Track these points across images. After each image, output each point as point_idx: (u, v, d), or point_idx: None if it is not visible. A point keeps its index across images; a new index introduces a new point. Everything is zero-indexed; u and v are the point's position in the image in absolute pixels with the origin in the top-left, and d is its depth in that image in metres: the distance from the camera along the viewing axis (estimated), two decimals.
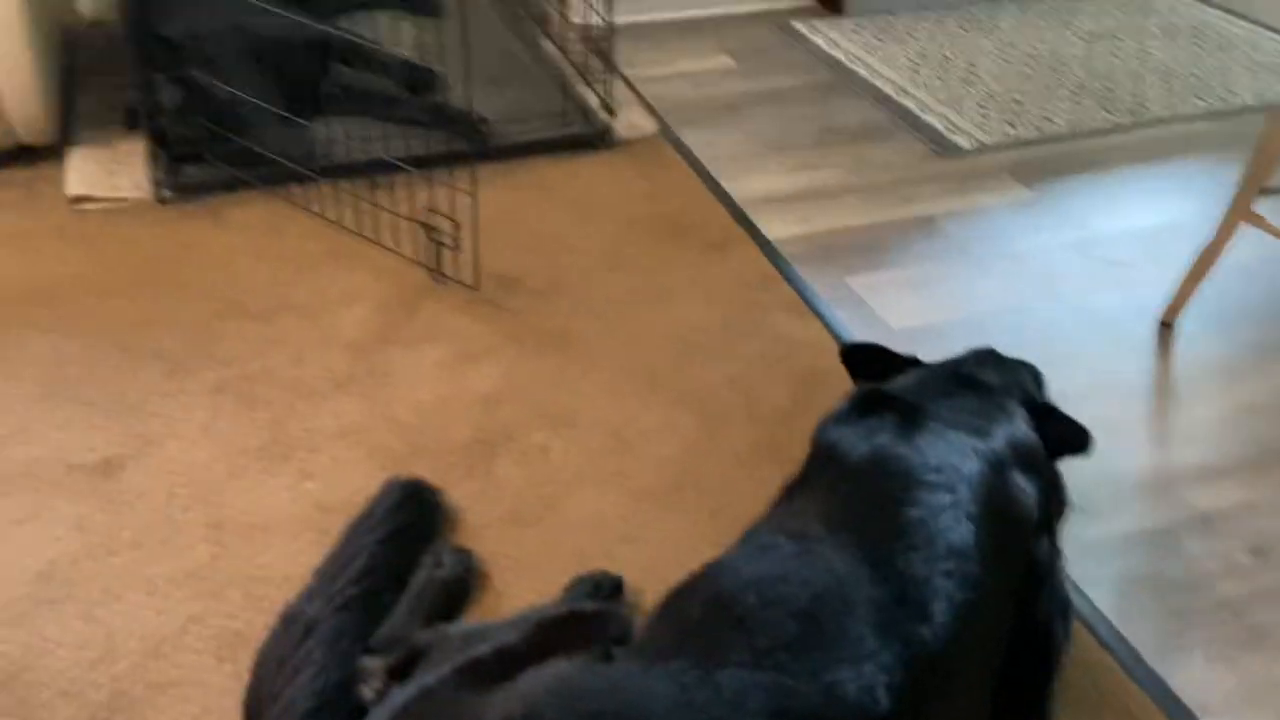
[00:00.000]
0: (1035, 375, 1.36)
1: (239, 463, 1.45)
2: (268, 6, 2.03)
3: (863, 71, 2.62)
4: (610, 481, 1.44)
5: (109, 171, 2.01)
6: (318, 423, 1.52)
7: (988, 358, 1.33)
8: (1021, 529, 1.11)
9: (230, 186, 2.00)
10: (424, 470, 1.43)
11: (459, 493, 1.41)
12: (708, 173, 2.18)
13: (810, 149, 2.30)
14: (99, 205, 1.95)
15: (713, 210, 2.04)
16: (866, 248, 1.98)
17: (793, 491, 1.16)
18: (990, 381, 1.26)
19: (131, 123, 2.09)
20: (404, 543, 1.31)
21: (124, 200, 1.96)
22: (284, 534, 1.35)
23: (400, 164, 1.86)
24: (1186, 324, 1.80)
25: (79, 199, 1.95)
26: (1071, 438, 1.24)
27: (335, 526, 1.32)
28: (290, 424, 1.52)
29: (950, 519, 1.02)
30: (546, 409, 1.56)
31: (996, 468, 1.10)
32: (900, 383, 1.25)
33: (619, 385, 1.61)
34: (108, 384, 1.57)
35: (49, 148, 2.05)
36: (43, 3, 2.08)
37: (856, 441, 1.12)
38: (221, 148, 1.98)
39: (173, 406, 1.54)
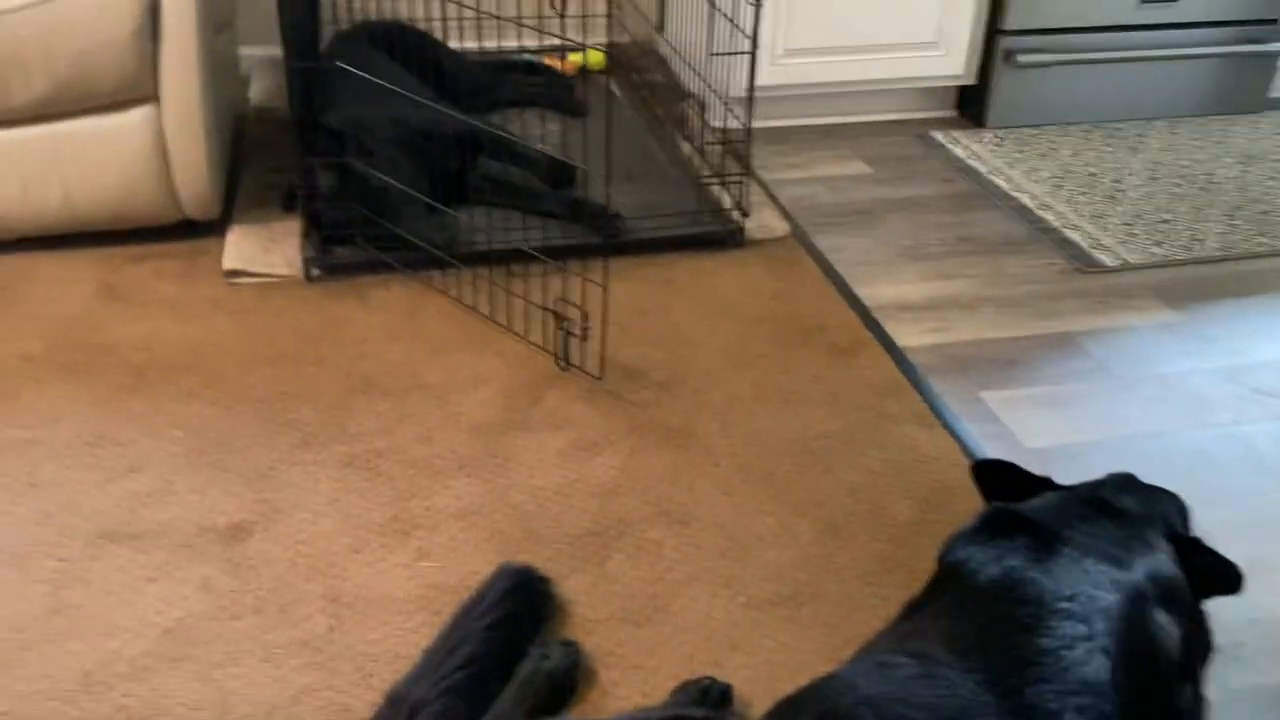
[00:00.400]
0: (1179, 506, 1.29)
1: (361, 536, 1.49)
2: (424, 101, 2.15)
3: (1002, 183, 2.60)
4: (723, 585, 1.42)
5: (264, 249, 2.12)
6: (439, 502, 1.55)
7: (1128, 484, 1.27)
8: (1162, 670, 1.04)
9: (375, 268, 2.10)
10: (538, 558, 1.44)
11: (571, 584, 1.41)
12: (839, 276, 2.18)
13: (945, 258, 2.28)
14: (253, 280, 2.07)
15: (842, 314, 2.04)
16: (1002, 362, 1.93)
17: (915, 610, 1.12)
18: (1131, 510, 1.20)
19: (288, 204, 2.22)
20: (512, 630, 1.32)
21: (276, 276, 2.07)
22: (399, 611, 1.37)
23: (536, 253, 1.92)
24: None
25: (234, 273, 2.07)
26: (1219, 575, 1.16)
27: (449, 607, 1.34)
28: (413, 502, 1.55)
29: (1084, 652, 0.97)
30: (663, 505, 1.56)
31: (1136, 601, 1.04)
32: (1034, 504, 1.20)
33: (737, 486, 1.60)
34: (245, 451, 1.64)
35: (211, 223, 2.19)
36: (219, 91, 2.24)
37: (986, 563, 1.07)
38: (370, 231, 2.08)
39: (303, 477, 1.59)
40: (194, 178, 2.09)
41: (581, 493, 1.58)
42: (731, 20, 2.17)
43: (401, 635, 1.33)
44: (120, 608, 1.37)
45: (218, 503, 1.54)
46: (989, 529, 1.13)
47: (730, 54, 2.18)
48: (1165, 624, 1.06)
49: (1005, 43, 2.81)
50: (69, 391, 1.75)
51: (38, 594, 1.38)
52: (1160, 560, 1.13)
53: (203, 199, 2.12)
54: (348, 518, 1.52)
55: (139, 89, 2.00)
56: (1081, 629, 0.98)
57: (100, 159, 2.03)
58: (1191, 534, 1.24)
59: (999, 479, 1.31)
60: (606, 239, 2.12)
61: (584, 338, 1.78)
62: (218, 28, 2.30)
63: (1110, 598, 1.03)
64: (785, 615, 1.38)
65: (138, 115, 2.02)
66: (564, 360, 1.83)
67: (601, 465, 1.63)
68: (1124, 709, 0.94)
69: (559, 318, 1.80)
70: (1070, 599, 1.01)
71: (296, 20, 2.01)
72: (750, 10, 2.09)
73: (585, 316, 1.76)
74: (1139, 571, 1.08)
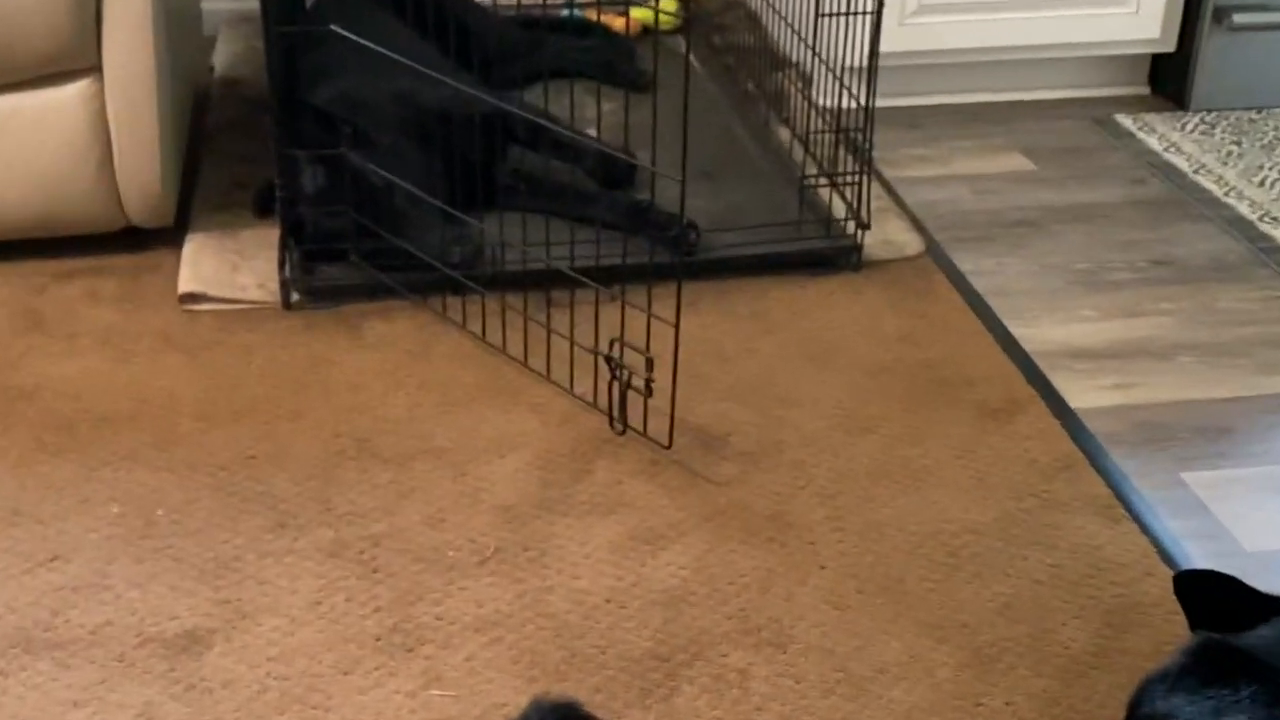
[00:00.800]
0: None
1: (352, 653, 1.51)
2: (439, 75, 2.18)
3: (1212, 186, 2.59)
4: None
5: (230, 266, 2.18)
6: (453, 608, 1.57)
7: None
8: None
9: (372, 292, 2.14)
10: (583, 688, 1.45)
11: None
12: (989, 310, 2.18)
13: (1134, 287, 2.28)
14: (215, 307, 2.12)
15: (994, 362, 2.04)
16: (1212, 431, 1.92)
17: None
18: None
19: (263, 208, 2.27)
20: None
21: (245, 302, 2.13)
22: None
23: (583, 278, 1.94)
24: None
25: (192, 297, 2.12)
26: None
27: None
28: (419, 607, 1.57)
29: None
30: (749, 621, 1.56)
31: None
32: (1262, 636, 1.18)
33: (849, 598, 1.60)
34: (201, 533, 1.67)
35: (163, 232, 2.25)
36: (177, 59, 2.30)
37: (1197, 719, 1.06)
38: (368, 245, 2.13)
39: (276, 570, 1.62)
40: (143, 172, 2.15)
41: (641, 600, 1.59)
42: None
43: None
44: None
45: (165, 603, 1.57)
46: (1200, 671, 1.11)
47: (846, 14, 2.20)
48: None
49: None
50: None
51: None
52: None
53: (153, 200, 2.19)
54: (334, 627, 1.54)
55: (75, 57, 2.07)
56: None
57: (24, 147, 2.11)
58: None
59: (1212, 597, 1.29)
60: (678, 257, 2.13)
61: (648, 393, 1.79)
62: None
63: None
64: None
65: (73, 91, 2.09)
66: (620, 421, 1.85)
67: (668, 564, 1.64)
68: None
69: (614, 364, 1.81)
70: None
71: None
72: None
73: (650, 365, 1.78)
74: None
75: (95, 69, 2.10)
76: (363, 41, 2.16)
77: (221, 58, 2.93)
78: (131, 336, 2.05)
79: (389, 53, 2.14)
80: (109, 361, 1.99)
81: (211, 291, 2.13)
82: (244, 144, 2.54)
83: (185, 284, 2.13)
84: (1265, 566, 1.65)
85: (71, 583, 1.59)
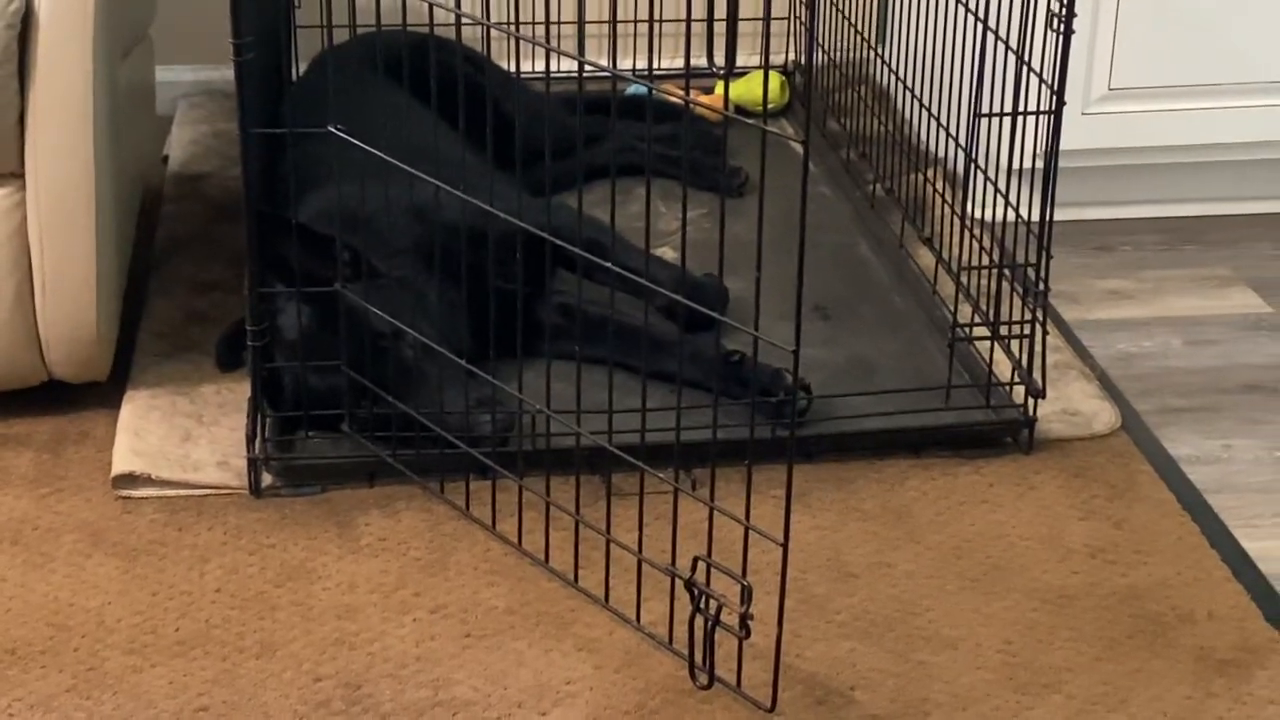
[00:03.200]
0: None
1: None
2: (470, 182, 2.19)
3: None
4: None
5: (182, 435, 2.20)
6: None
7: None
8: None
9: (371, 475, 2.16)
10: None
11: None
12: (1212, 514, 2.17)
13: None
14: (159, 491, 2.12)
15: (1219, 589, 2.02)
16: None
17: None
18: None
19: (227, 357, 2.28)
20: None
21: (202, 487, 2.13)
22: None
23: (651, 467, 1.92)
24: None
25: (129, 478, 2.13)
26: None
27: None
28: None
29: None
30: None
31: None
32: None
33: None
34: None
35: (95, 386, 2.27)
36: (120, 153, 2.33)
37: None
38: (367, 410, 2.13)
39: None
40: (73, 309, 2.18)
41: None
42: (1018, 54, 2.19)
43: None
44: None
45: None
46: None
47: (1015, 113, 2.21)
48: None
49: None
50: None
51: None
52: None
53: (84, 347, 2.21)
54: None
55: None
56: None
57: None
58: None
59: None
60: (785, 432, 2.11)
61: (744, 632, 1.76)
62: (125, 48, 2.42)
63: None
64: None
65: None
66: (705, 670, 1.81)
67: None
68: None
69: (697, 590, 1.78)
70: None
71: (259, 38, 2.09)
72: (1051, 37, 2.11)
73: (747, 594, 1.74)
74: None
75: (16, 174, 2.14)
76: (363, 145, 2.18)
77: (178, 144, 2.99)
78: (49, 534, 2.06)
79: (399, 154, 2.16)
80: (18, 569, 1.99)
81: (156, 472, 2.13)
82: (204, 265, 2.58)
83: (122, 461, 2.14)
84: None
85: None
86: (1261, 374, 2.49)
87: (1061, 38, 2.09)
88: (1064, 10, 2.08)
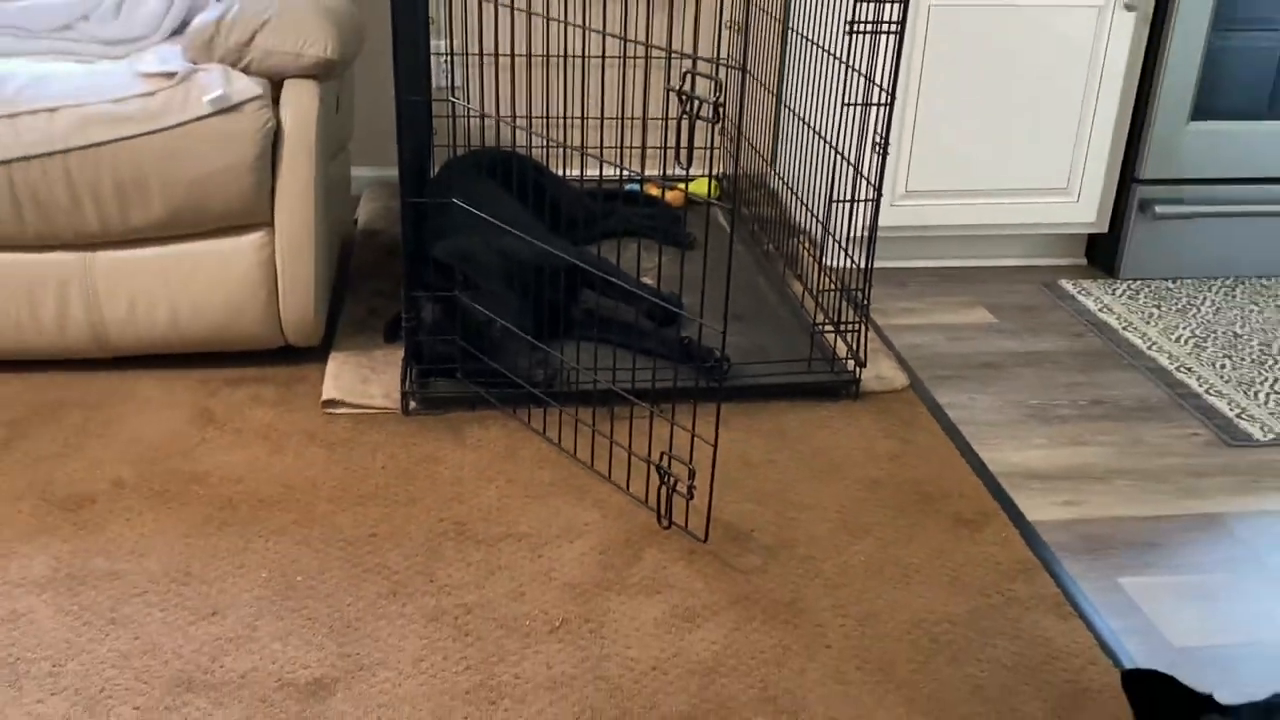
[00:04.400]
0: None
1: (445, 704, 1.45)
2: (530, 237, 2.19)
3: (1137, 341, 2.53)
4: None
5: (363, 379, 2.16)
6: (528, 669, 1.52)
7: None
8: None
9: (472, 404, 2.11)
10: None
11: None
12: (961, 436, 2.12)
13: (1077, 422, 2.21)
14: (349, 410, 2.10)
15: (966, 480, 1.97)
16: (1141, 544, 1.84)
17: None
18: None
19: (390, 335, 2.26)
20: None
21: (373, 408, 2.10)
22: None
23: (637, 399, 1.90)
24: None
25: (332, 403, 2.10)
26: None
27: None
28: (501, 666, 1.52)
29: None
30: (769, 690, 1.49)
31: None
32: None
33: (850, 674, 1.53)
34: (330, 597, 1.63)
35: (310, 349, 2.24)
36: (331, 215, 2.31)
37: None
38: (471, 366, 2.10)
39: (389, 630, 1.57)
40: (300, 304, 2.15)
41: (680, 669, 1.52)
42: (855, 167, 2.18)
43: None
44: None
45: (300, 654, 1.52)
46: None
47: (852, 201, 2.18)
48: None
49: (1141, 192, 2.77)
50: (158, 522, 1.77)
51: None
52: None
53: (306, 326, 2.18)
54: (432, 680, 1.49)
55: (254, 215, 2.07)
56: None
57: (210, 282, 2.11)
58: None
59: (1154, 695, 1.22)
60: (715, 383, 2.10)
61: (690, 497, 1.75)
62: (333, 152, 2.39)
63: None
64: None
65: (250, 240, 2.09)
66: (666, 518, 1.80)
67: (702, 639, 1.58)
68: None
69: (663, 472, 1.77)
70: None
71: (414, 151, 2.08)
72: (875, 158, 2.09)
73: (692, 474, 1.74)
74: None
75: (268, 224, 2.10)
76: (473, 210, 2.17)
77: (364, 213, 2.95)
78: (284, 433, 2.03)
79: (493, 219, 2.15)
80: (265, 453, 1.97)
81: (348, 399, 2.10)
82: (378, 283, 2.54)
83: (327, 392, 2.11)
84: (1187, 659, 1.58)
85: (227, 634, 1.56)
86: (990, 358, 2.44)
87: (880, 157, 2.08)
88: (884, 141, 2.08)
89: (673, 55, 1.66)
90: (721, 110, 1.49)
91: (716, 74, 1.48)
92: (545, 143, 2.21)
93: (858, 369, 2.23)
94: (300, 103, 2.04)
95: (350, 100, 2.65)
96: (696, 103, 1.49)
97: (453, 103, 2.87)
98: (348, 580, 1.67)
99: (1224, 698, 1.48)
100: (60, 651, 1.51)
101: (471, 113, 2.53)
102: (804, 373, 2.22)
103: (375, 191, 3.08)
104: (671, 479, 1.76)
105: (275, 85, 2.05)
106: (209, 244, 2.09)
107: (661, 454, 1.79)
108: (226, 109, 1.96)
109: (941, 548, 1.79)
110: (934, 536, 1.82)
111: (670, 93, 1.54)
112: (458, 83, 3.04)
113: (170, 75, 1.99)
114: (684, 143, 1.55)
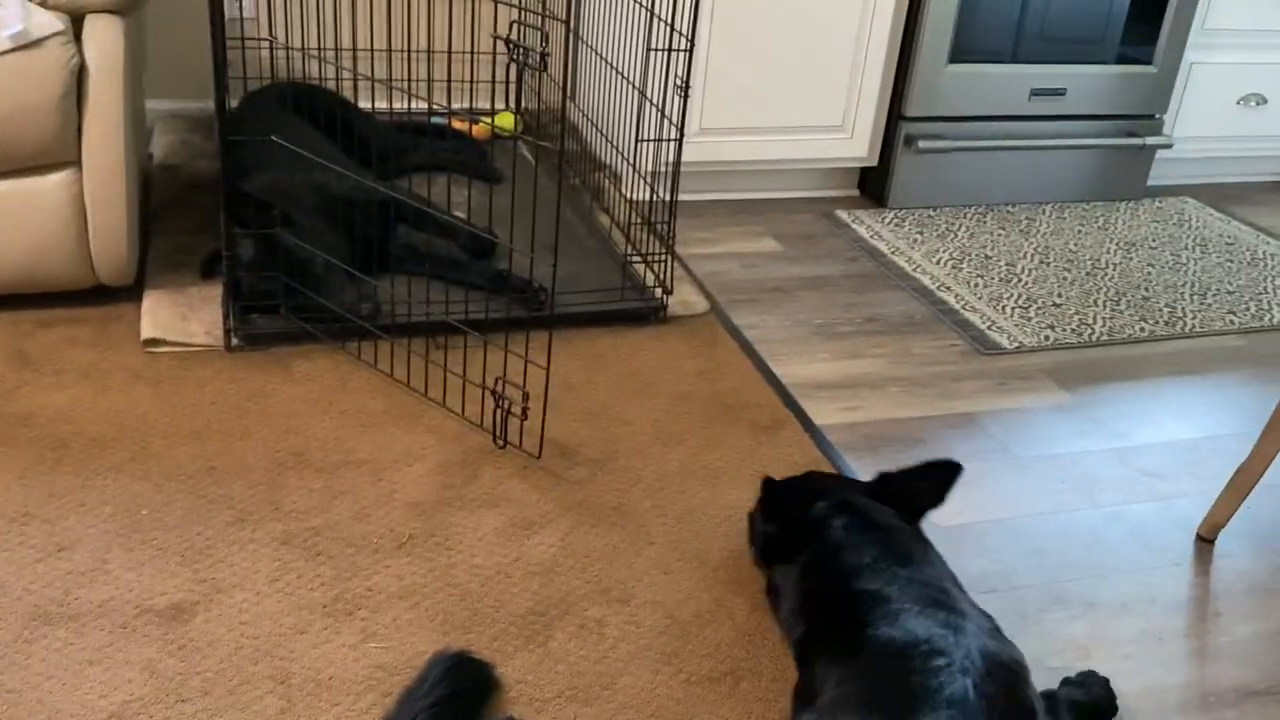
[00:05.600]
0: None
1: (305, 617, 1.55)
2: (344, 170, 2.23)
3: (904, 264, 2.83)
4: (665, 663, 1.54)
5: (182, 317, 2.16)
6: (380, 582, 1.63)
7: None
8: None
9: (296, 338, 2.15)
10: (483, 638, 1.53)
11: (517, 663, 1.51)
12: (757, 354, 2.33)
13: (855, 337, 2.47)
14: (170, 349, 2.10)
15: (762, 392, 2.19)
16: (910, 441, 2.12)
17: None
18: None
19: (206, 271, 2.26)
20: (456, 711, 1.41)
21: (195, 346, 2.11)
22: (348, 693, 1.44)
23: (463, 327, 2.01)
24: (1227, 541, 1.92)
25: (152, 341, 2.10)
26: None
27: (397, 689, 1.42)
28: (354, 581, 1.62)
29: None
30: (602, 584, 1.67)
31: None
32: None
33: (673, 565, 1.72)
34: (178, 529, 1.68)
35: (124, 289, 2.22)
36: (134, 146, 2.27)
37: None
38: (293, 301, 2.14)
39: (241, 555, 1.65)
40: (111, 243, 2.12)
41: (522, 572, 1.67)
42: (660, 108, 2.33)
43: (353, 718, 1.41)
44: (62, 692, 1.40)
45: (156, 582, 1.58)
46: None
47: (658, 140, 2.33)
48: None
49: (906, 128, 3.07)
50: None
51: None
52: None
53: (119, 264, 2.15)
54: (290, 597, 1.58)
55: (60, 154, 2.03)
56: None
57: (15, 221, 2.05)
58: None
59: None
60: (532, 313, 2.22)
61: (525, 418, 1.88)
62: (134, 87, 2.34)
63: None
64: (725, 691, 1.51)
65: (57, 179, 2.05)
66: (502, 438, 1.93)
67: (541, 544, 1.73)
68: None
69: (497, 395, 1.89)
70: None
71: (223, 87, 2.08)
72: (677, 98, 2.25)
73: (527, 397, 1.87)
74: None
75: (76, 162, 2.06)
76: (285, 143, 2.19)
77: (158, 148, 2.88)
78: (106, 373, 2.02)
79: (304, 151, 2.18)
80: (90, 393, 1.96)
81: (168, 337, 2.11)
82: (183, 219, 2.51)
83: (146, 330, 2.11)
84: (946, 536, 1.85)
85: (78, 568, 1.59)
86: (779, 282, 2.66)
87: (682, 97, 2.22)
88: (685, 83, 2.23)
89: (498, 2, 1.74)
90: (548, 59, 1.60)
91: (544, 26, 1.59)
92: (352, 76, 2.23)
93: (665, 296, 2.40)
94: (104, 38, 2.00)
95: (143, 31, 2.57)
96: (524, 52, 1.60)
97: (264, 41, 2.82)
98: (193, 512, 1.72)
99: (978, 566, 1.78)
100: None
101: (275, 46, 2.51)
102: (617, 301, 2.36)
103: (168, 124, 3.00)
104: (506, 402, 1.89)
105: (76, 21, 2.00)
106: (13, 183, 2.03)
107: (497, 379, 1.91)
108: (27, 44, 1.91)
109: (744, 451, 2.00)
110: (737, 442, 2.03)
111: (499, 40, 1.64)
112: (248, 13, 2.98)
113: None
114: (513, 89, 1.65)
